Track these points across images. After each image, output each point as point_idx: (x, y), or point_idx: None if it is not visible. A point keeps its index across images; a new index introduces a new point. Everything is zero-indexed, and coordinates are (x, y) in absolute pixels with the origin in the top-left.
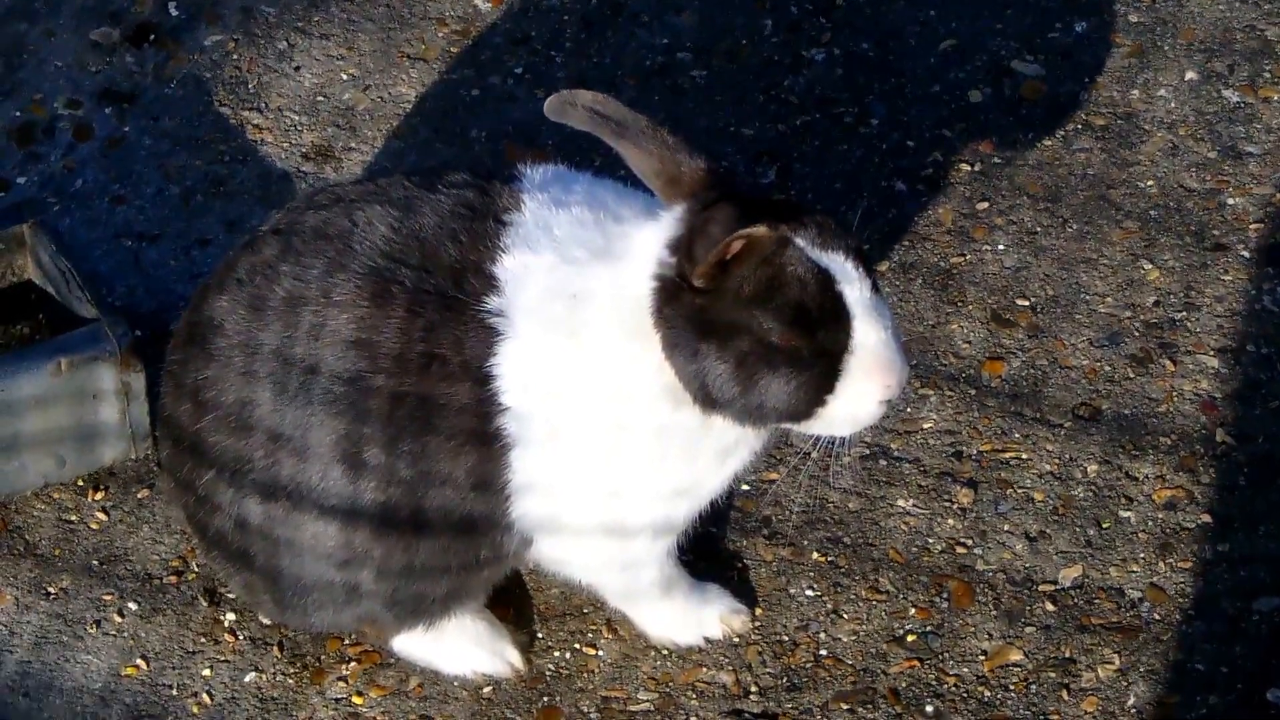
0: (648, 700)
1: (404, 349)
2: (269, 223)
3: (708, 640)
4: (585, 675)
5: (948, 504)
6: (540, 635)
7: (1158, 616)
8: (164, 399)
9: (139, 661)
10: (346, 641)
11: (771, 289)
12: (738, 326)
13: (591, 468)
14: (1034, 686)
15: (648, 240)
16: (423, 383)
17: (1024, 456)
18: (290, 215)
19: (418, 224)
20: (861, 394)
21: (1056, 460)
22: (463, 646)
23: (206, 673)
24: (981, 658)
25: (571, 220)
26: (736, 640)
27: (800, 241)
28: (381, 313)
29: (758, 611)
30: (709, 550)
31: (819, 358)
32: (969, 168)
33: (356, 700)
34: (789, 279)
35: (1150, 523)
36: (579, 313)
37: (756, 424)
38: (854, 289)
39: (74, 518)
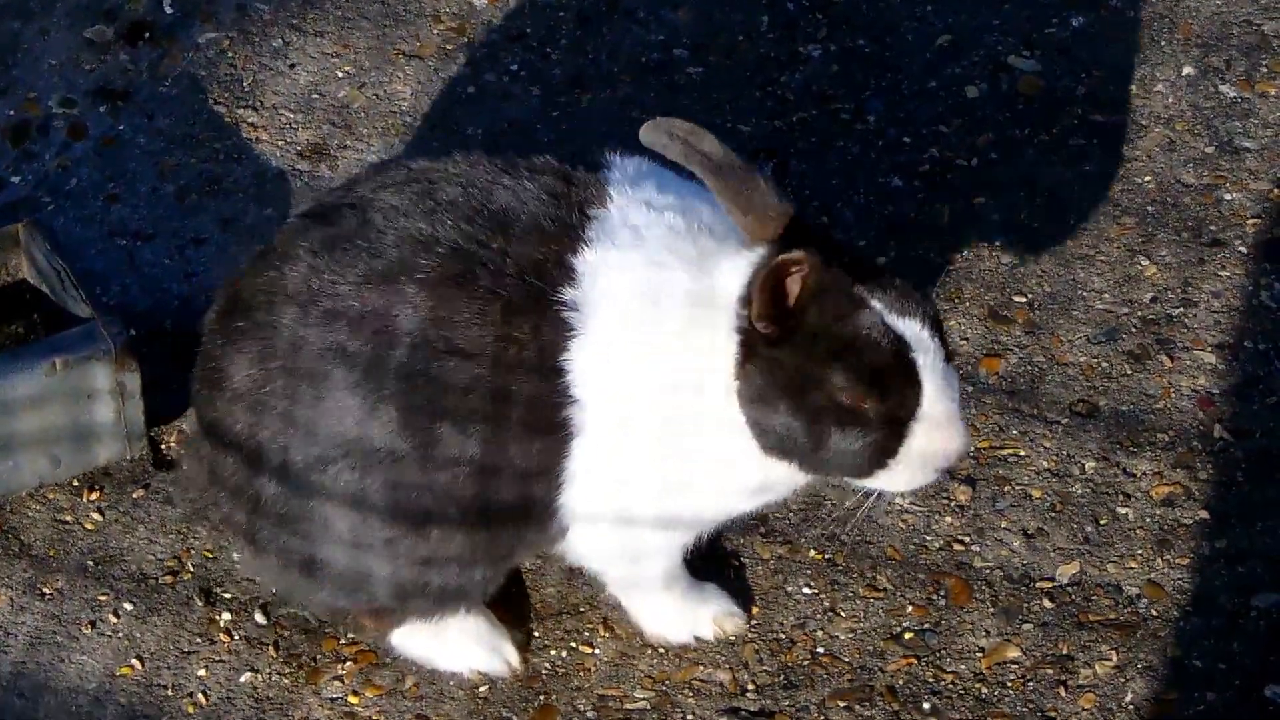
0: (644, 699)
1: (481, 332)
2: (331, 196)
3: (699, 640)
4: (582, 674)
5: (945, 501)
6: (536, 634)
7: (1155, 613)
8: (213, 364)
9: (134, 661)
10: (342, 641)
11: (847, 349)
12: (811, 384)
13: (647, 467)
14: (1031, 684)
15: (730, 277)
16: (497, 366)
17: (1021, 453)
18: (361, 190)
19: (501, 208)
20: (922, 461)
21: (1054, 457)
22: (462, 643)
23: (202, 673)
24: (979, 655)
25: (664, 225)
26: (731, 640)
27: (878, 305)
28: (462, 293)
29: (754, 610)
30: (707, 548)
31: (887, 422)
32: (966, 164)
33: (352, 700)
34: (865, 342)
35: (1148, 519)
36: (658, 317)
37: (815, 474)
38: (927, 357)
39: (69, 518)
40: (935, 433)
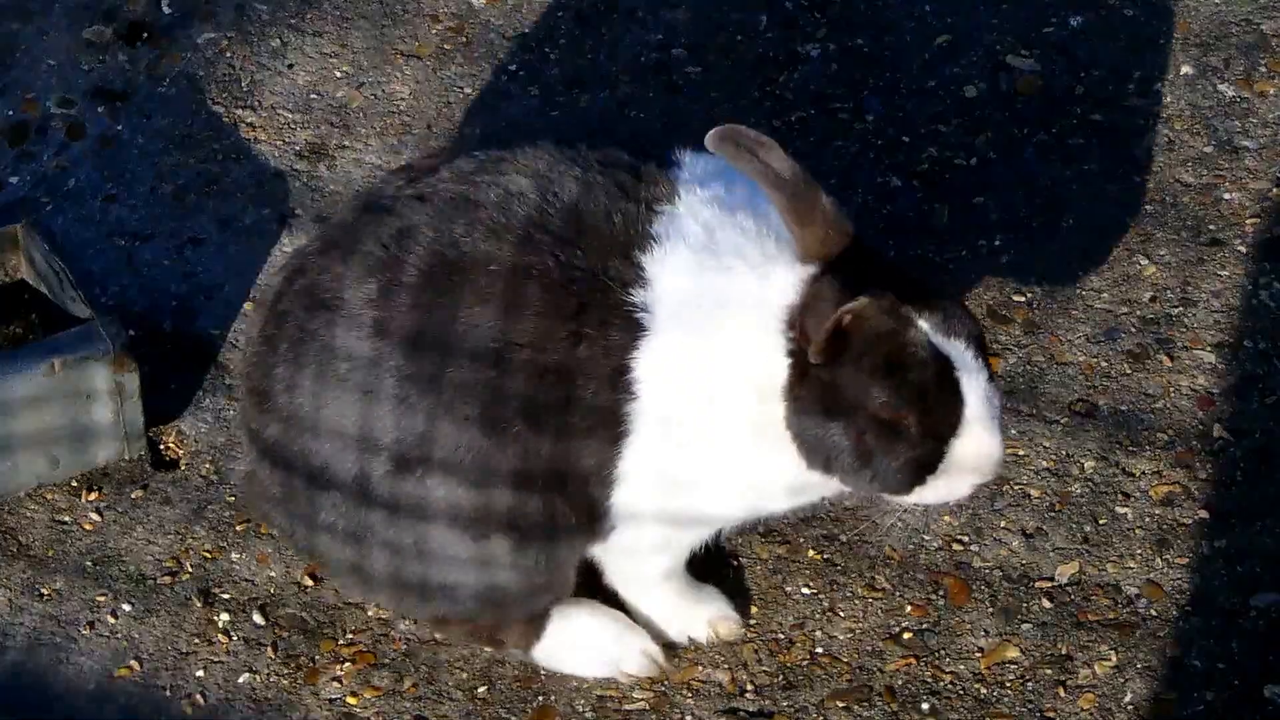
0: (643, 699)
1: (552, 326)
2: (389, 190)
3: (692, 641)
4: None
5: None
6: None
7: (1155, 613)
8: (263, 367)
9: (133, 663)
10: (341, 642)
11: (892, 368)
12: (859, 403)
13: (689, 467)
14: (1030, 684)
15: (784, 290)
16: (566, 360)
17: (1021, 453)
18: (423, 185)
19: (571, 200)
20: (960, 478)
21: (1053, 456)
22: (602, 648)
23: (201, 674)
24: (978, 655)
25: (734, 225)
26: (728, 642)
27: (925, 325)
28: (532, 285)
29: (753, 610)
30: (705, 548)
31: (928, 439)
32: (965, 163)
33: (351, 700)
34: (910, 360)
35: (1147, 519)
36: (720, 321)
37: (856, 488)
38: (970, 378)
39: (67, 518)
40: (975, 450)
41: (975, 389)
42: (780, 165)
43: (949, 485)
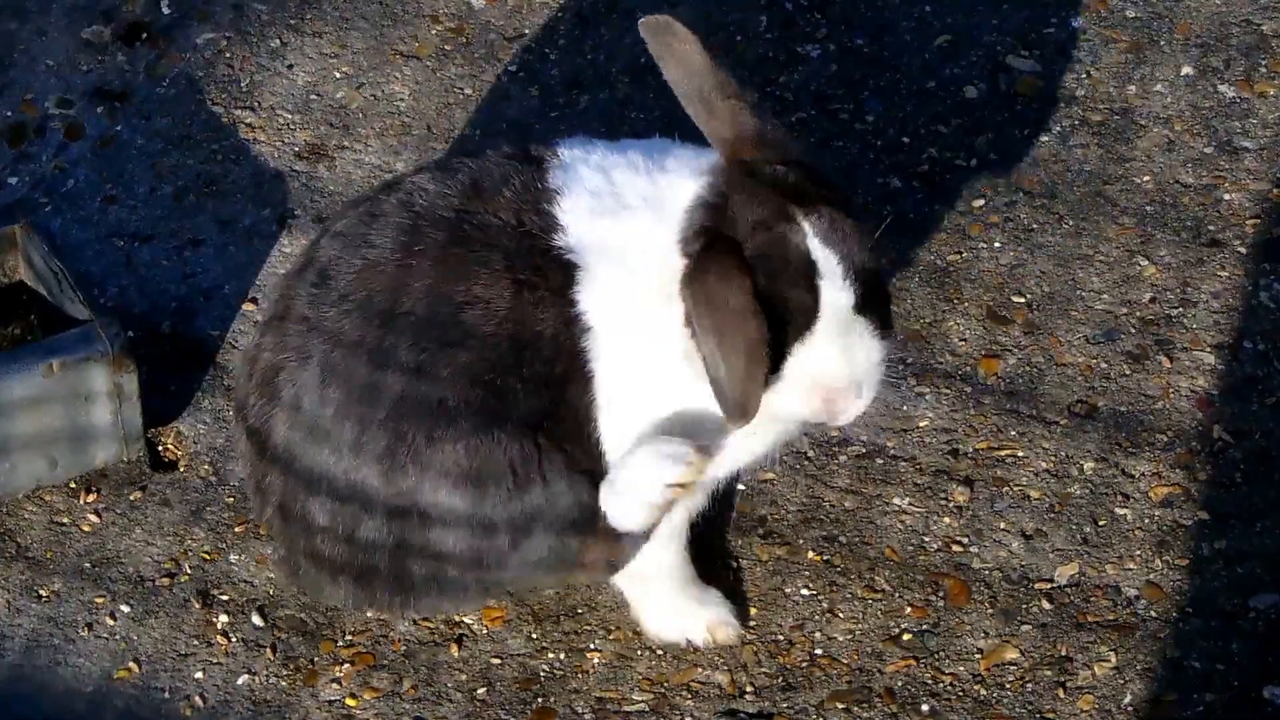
0: (642, 701)
1: (490, 280)
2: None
3: (689, 643)
4: (580, 676)
5: (944, 502)
6: (535, 636)
7: (1154, 614)
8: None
9: (131, 664)
10: (340, 643)
11: (756, 258)
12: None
13: (654, 392)
14: (1030, 685)
15: (675, 202)
16: (516, 308)
17: (1020, 454)
18: (338, 216)
19: (467, 179)
20: (796, 396)
21: (1053, 458)
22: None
23: (199, 675)
24: (978, 656)
25: (626, 163)
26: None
27: (807, 227)
28: (456, 250)
29: (753, 611)
30: (704, 550)
31: (772, 339)
32: (965, 164)
33: (350, 702)
34: (774, 252)
35: (1147, 520)
36: (635, 246)
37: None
38: (832, 291)
39: (66, 520)
40: (817, 364)
41: (832, 304)
42: (694, 59)
43: (784, 400)
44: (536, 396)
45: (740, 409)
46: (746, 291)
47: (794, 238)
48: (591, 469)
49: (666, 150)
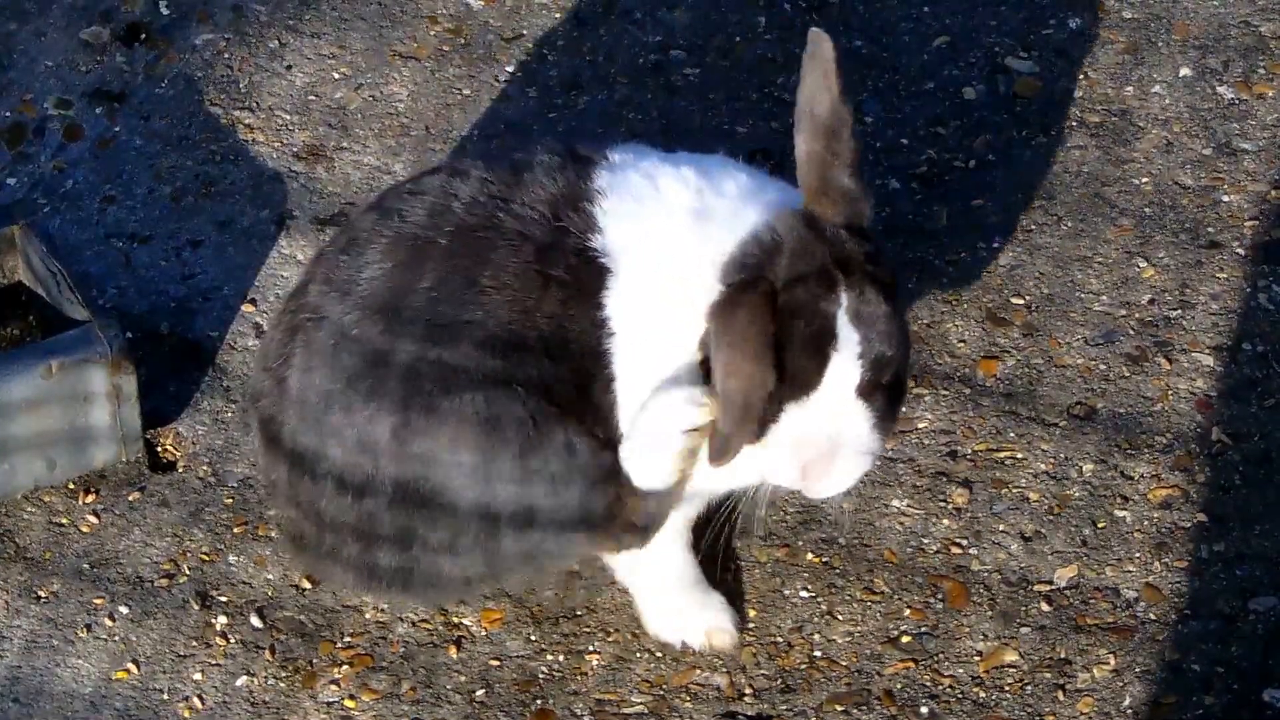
0: (641, 703)
1: (521, 271)
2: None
3: (685, 645)
4: (579, 678)
5: (943, 504)
6: (534, 638)
7: (1154, 616)
8: (275, 373)
9: (130, 665)
10: (339, 645)
11: (792, 310)
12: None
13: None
14: (1029, 687)
15: (734, 221)
16: (543, 303)
17: (1019, 456)
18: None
19: (508, 174)
20: (771, 455)
21: (1052, 460)
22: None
23: (198, 677)
24: (977, 659)
25: (676, 175)
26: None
27: (844, 297)
28: (489, 236)
29: (752, 613)
30: (704, 553)
31: (776, 395)
32: (963, 165)
33: (349, 704)
34: (800, 314)
35: (1146, 522)
36: (672, 265)
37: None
38: (843, 364)
39: (64, 521)
40: (801, 433)
41: (838, 382)
42: (833, 84)
43: (764, 454)
44: (553, 380)
45: (720, 449)
46: (768, 341)
47: (827, 306)
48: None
49: (726, 171)
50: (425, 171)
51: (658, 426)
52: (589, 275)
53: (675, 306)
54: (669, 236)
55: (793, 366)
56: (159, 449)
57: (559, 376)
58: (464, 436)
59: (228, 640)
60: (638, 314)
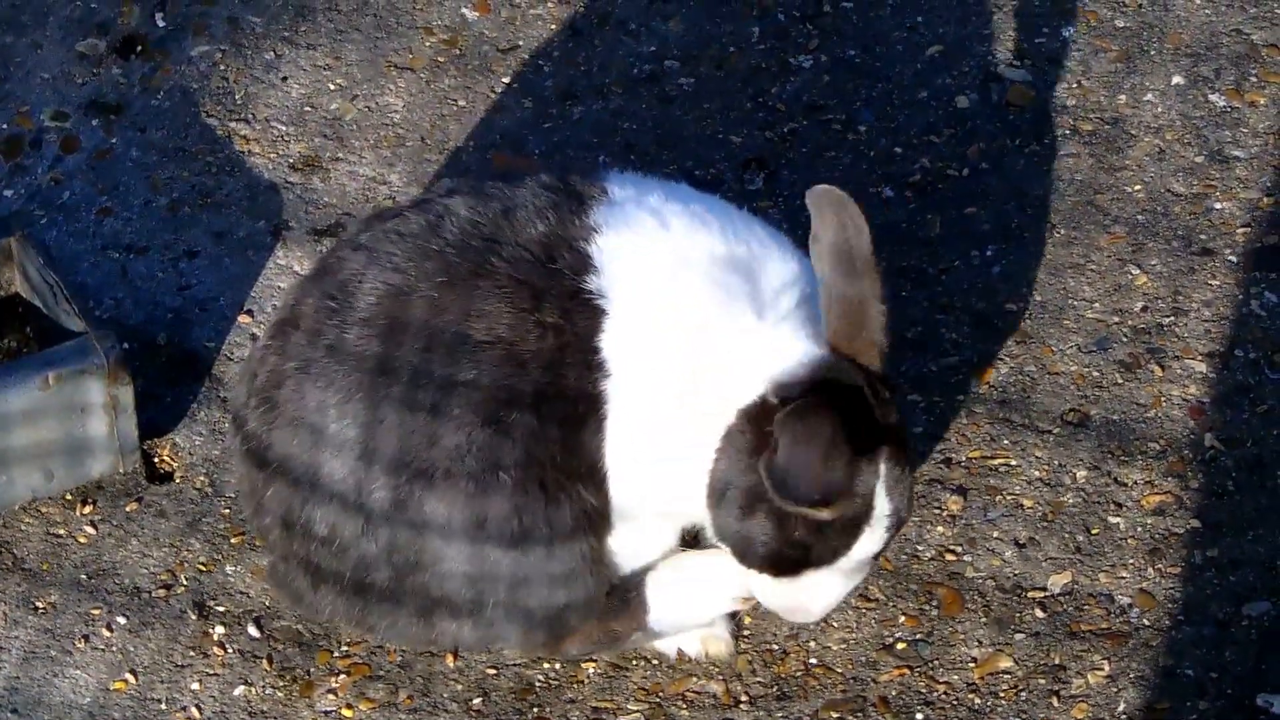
0: (638, 711)
1: (515, 319)
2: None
3: (681, 652)
4: (575, 686)
5: (937, 511)
6: None
7: (1147, 622)
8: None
9: (128, 676)
10: (336, 654)
11: (828, 481)
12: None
13: (658, 443)
14: (1024, 693)
15: (765, 346)
16: (539, 348)
17: (1013, 463)
18: (362, 227)
19: (500, 208)
20: (771, 584)
21: (1045, 466)
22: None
23: (196, 686)
24: (971, 665)
25: (687, 212)
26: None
27: (883, 467)
28: (483, 283)
29: (747, 621)
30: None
31: (801, 548)
32: (957, 173)
33: (346, 713)
34: (845, 485)
35: (1139, 528)
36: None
37: (715, 531)
38: (871, 538)
39: (62, 532)
40: (811, 588)
41: (860, 554)
42: (861, 225)
43: (779, 594)
44: (548, 440)
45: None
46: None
47: (868, 477)
48: (599, 508)
49: (750, 227)
50: (408, 205)
51: (699, 601)
52: (585, 318)
53: (676, 353)
54: (674, 277)
55: (822, 535)
56: (156, 460)
57: (553, 432)
58: (451, 528)
59: (225, 650)
60: (635, 357)
